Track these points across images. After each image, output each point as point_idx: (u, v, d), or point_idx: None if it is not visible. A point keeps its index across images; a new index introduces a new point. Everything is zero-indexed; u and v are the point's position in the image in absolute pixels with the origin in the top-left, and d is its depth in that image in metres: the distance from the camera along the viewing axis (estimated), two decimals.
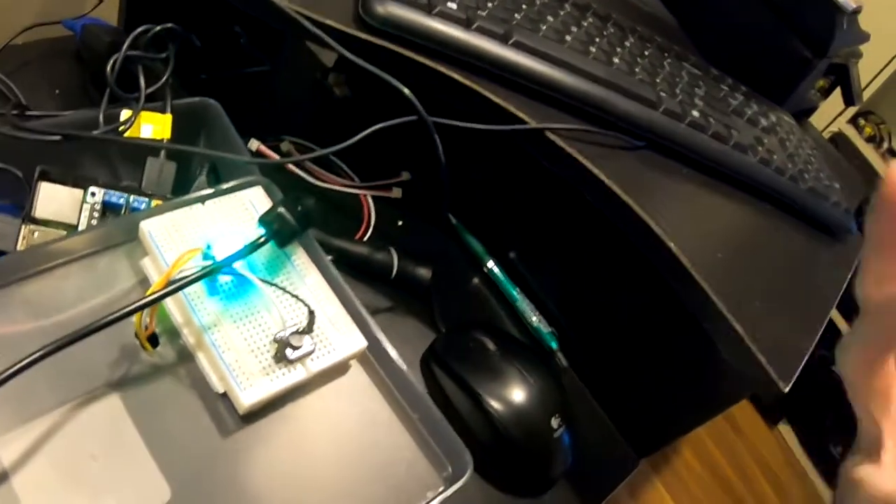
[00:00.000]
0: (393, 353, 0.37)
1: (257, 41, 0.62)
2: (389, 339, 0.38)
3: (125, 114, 0.43)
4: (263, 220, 0.34)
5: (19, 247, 0.39)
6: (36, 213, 0.40)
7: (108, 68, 0.44)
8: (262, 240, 0.33)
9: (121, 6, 0.56)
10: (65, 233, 0.40)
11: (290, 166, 0.54)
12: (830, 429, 1.70)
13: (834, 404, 1.69)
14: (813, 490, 1.74)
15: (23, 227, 0.39)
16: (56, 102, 0.53)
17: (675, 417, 0.54)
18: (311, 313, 0.33)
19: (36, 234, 0.40)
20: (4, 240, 0.39)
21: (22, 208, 0.41)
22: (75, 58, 0.55)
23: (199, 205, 0.37)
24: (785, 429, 1.83)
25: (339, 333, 0.36)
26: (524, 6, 0.51)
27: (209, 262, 0.32)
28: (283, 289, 0.33)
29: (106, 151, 0.46)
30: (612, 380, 0.57)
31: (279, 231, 0.34)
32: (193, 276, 0.31)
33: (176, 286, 0.31)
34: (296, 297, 0.33)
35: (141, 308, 0.30)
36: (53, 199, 0.40)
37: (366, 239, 0.55)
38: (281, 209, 0.34)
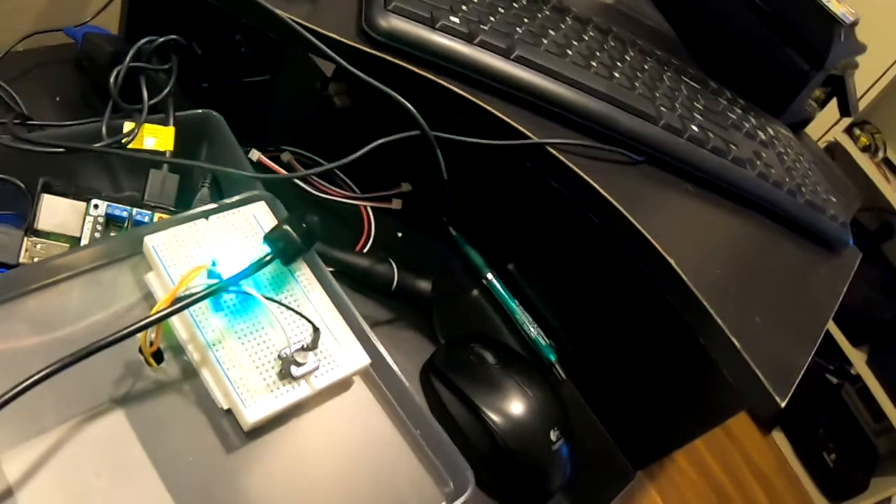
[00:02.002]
0: (395, 368, 0.37)
1: (258, 50, 0.62)
2: (390, 351, 0.38)
3: (128, 126, 0.43)
4: (268, 238, 0.34)
5: (22, 259, 0.39)
6: (39, 226, 0.40)
7: (112, 80, 0.44)
8: (268, 258, 0.33)
9: (122, 14, 0.55)
10: (68, 246, 0.40)
11: None
12: (824, 436, 1.71)
13: (827, 411, 1.71)
14: (806, 497, 1.75)
15: (25, 239, 0.39)
16: (56, 110, 0.53)
17: (671, 430, 0.54)
18: (316, 330, 0.33)
19: (38, 246, 0.40)
20: (7, 252, 0.39)
21: (24, 219, 0.41)
22: (76, 65, 0.55)
23: (203, 220, 0.37)
24: (778, 436, 1.84)
25: (343, 350, 0.36)
26: (526, 20, 0.52)
27: (215, 280, 0.32)
28: (288, 306, 0.33)
29: (108, 163, 0.46)
30: (610, 392, 0.58)
31: (284, 249, 0.34)
32: (199, 295, 0.31)
33: (181, 305, 0.31)
34: (300, 314, 0.33)
35: (146, 327, 0.30)
36: (56, 212, 0.40)
37: (366, 251, 0.55)
38: (286, 227, 0.34)
